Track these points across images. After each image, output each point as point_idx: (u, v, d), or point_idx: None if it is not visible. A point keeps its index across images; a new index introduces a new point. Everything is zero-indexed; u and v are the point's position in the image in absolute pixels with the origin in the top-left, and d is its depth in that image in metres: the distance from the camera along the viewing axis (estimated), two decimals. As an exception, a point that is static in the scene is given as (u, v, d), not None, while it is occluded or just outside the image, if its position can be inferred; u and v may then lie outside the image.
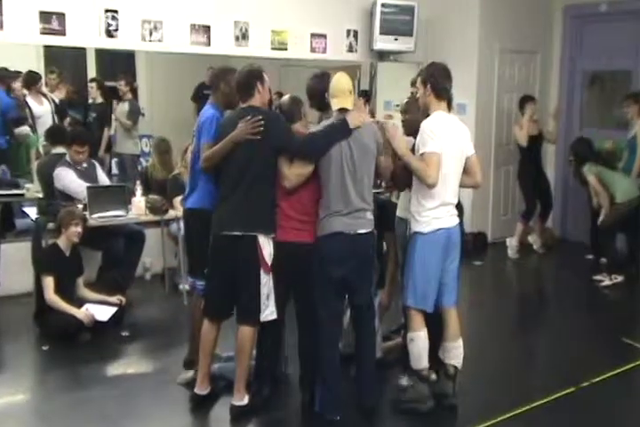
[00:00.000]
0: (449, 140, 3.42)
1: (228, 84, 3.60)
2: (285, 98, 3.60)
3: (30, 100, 6.10)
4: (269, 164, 3.36)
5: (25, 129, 6.07)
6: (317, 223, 3.36)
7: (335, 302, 3.44)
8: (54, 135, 5.56)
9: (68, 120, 6.39)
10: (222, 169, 3.43)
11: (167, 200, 5.40)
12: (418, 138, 3.45)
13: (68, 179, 5.16)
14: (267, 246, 3.36)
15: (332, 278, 3.35)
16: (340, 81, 3.43)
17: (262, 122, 3.31)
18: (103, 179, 5.48)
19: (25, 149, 6.08)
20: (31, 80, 6.11)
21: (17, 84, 6.10)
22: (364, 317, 3.49)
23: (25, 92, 6.05)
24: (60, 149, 5.38)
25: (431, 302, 3.48)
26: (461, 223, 3.60)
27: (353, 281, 3.41)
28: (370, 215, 3.41)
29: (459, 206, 3.58)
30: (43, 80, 6.24)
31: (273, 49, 6.31)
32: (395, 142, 3.41)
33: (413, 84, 3.84)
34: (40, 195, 5.42)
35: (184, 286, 5.17)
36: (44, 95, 6.19)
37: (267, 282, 3.39)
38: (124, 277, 5.22)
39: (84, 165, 5.32)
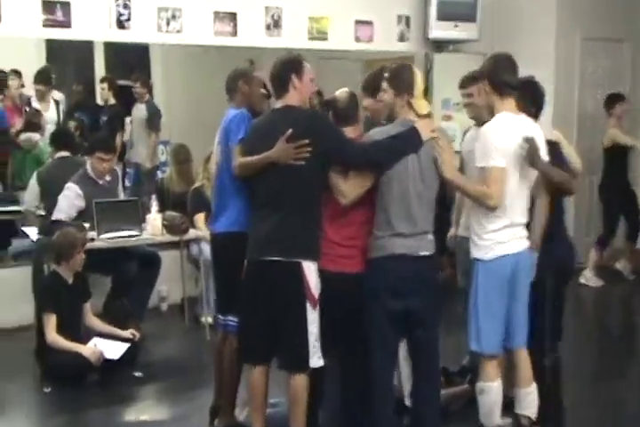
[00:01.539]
0: (516, 148, 3.35)
1: (247, 83, 3.68)
2: (342, 93, 3.55)
3: (37, 104, 6.34)
4: (316, 179, 3.35)
5: (33, 136, 6.26)
6: (370, 243, 3.35)
7: (393, 342, 3.43)
8: (60, 139, 5.71)
9: (72, 124, 6.54)
10: (258, 183, 3.43)
11: (187, 218, 5.44)
12: (476, 145, 3.43)
13: (68, 198, 5.14)
14: (312, 275, 3.34)
15: (390, 312, 3.33)
16: (420, 78, 3.40)
17: (309, 148, 3.26)
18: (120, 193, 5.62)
19: (32, 160, 6.24)
20: (44, 79, 6.32)
21: (13, 82, 6.32)
22: (429, 356, 3.45)
23: (30, 93, 6.27)
24: (64, 153, 5.54)
25: (499, 343, 3.44)
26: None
27: (417, 313, 3.36)
28: (431, 236, 3.40)
29: (528, 226, 3.52)
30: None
31: (310, 39, 6.39)
32: (443, 162, 3.31)
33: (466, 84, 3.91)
34: (41, 211, 5.51)
35: (206, 319, 5.20)
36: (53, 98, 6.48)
37: (314, 319, 3.36)
38: (137, 307, 5.26)
39: (107, 178, 5.39)
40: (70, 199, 5.18)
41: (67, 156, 5.58)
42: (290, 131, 3.28)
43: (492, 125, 3.40)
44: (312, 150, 3.28)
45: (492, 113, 3.46)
